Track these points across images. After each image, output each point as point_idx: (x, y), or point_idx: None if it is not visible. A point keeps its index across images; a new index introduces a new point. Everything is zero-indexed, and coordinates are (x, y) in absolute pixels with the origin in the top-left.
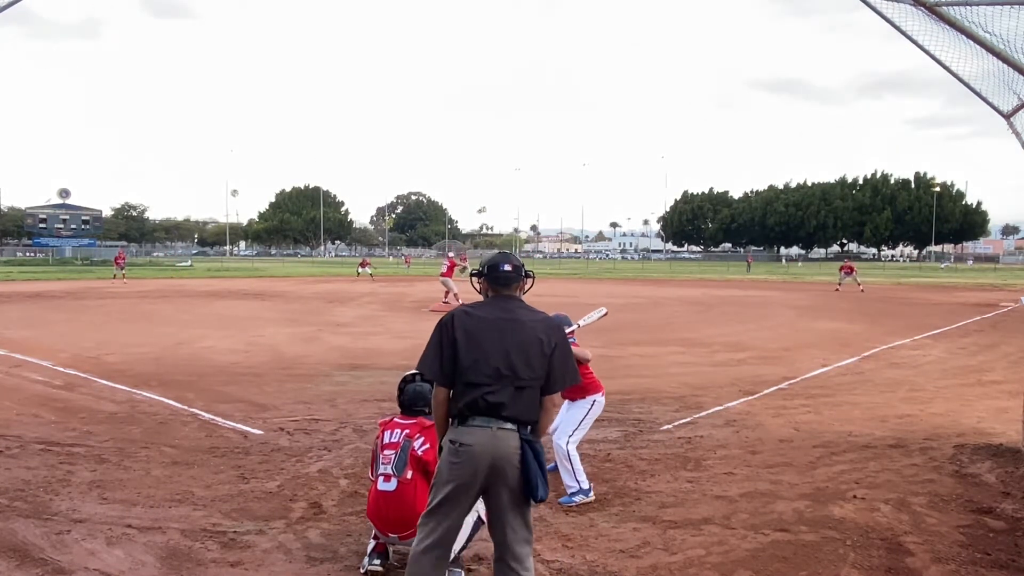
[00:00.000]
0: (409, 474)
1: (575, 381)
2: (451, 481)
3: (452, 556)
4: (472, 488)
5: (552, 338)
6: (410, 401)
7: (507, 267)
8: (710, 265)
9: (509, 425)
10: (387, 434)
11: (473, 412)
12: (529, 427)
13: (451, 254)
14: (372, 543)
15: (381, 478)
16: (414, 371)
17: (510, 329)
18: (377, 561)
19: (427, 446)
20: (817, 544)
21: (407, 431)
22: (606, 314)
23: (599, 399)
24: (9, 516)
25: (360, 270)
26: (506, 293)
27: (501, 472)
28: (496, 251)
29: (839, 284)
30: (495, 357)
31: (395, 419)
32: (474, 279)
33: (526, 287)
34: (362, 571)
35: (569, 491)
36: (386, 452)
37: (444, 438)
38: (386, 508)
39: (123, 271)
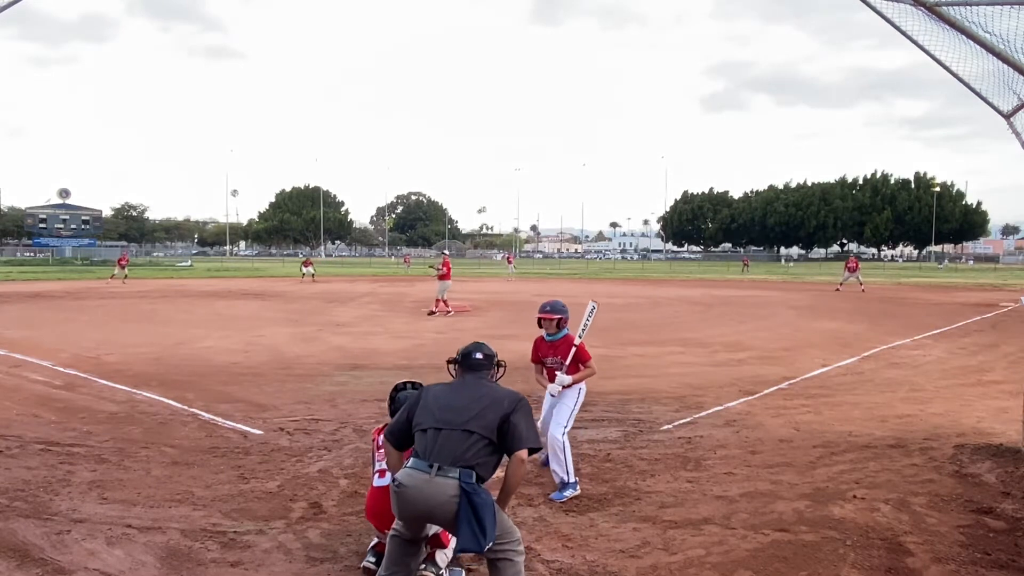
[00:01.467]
0: None
1: (537, 443)
2: (397, 519)
3: (452, 556)
4: (414, 526)
5: (513, 401)
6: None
7: (479, 355)
8: (710, 265)
9: (452, 471)
10: (382, 437)
11: (416, 455)
12: (475, 475)
13: (447, 252)
14: (375, 540)
15: (377, 475)
16: (405, 380)
17: (469, 388)
18: (373, 559)
19: None
20: (817, 544)
21: None
22: (597, 307)
23: (583, 388)
24: (9, 516)
25: (304, 270)
26: (475, 375)
27: (440, 519)
28: (472, 342)
29: (840, 284)
30: (446, 406)
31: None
32: (449, 365)
33: (498, 375)
34: (361, 566)
35: (560, 486)
36: (381, 451)
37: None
38: (382, 503)
39: (124, 271)
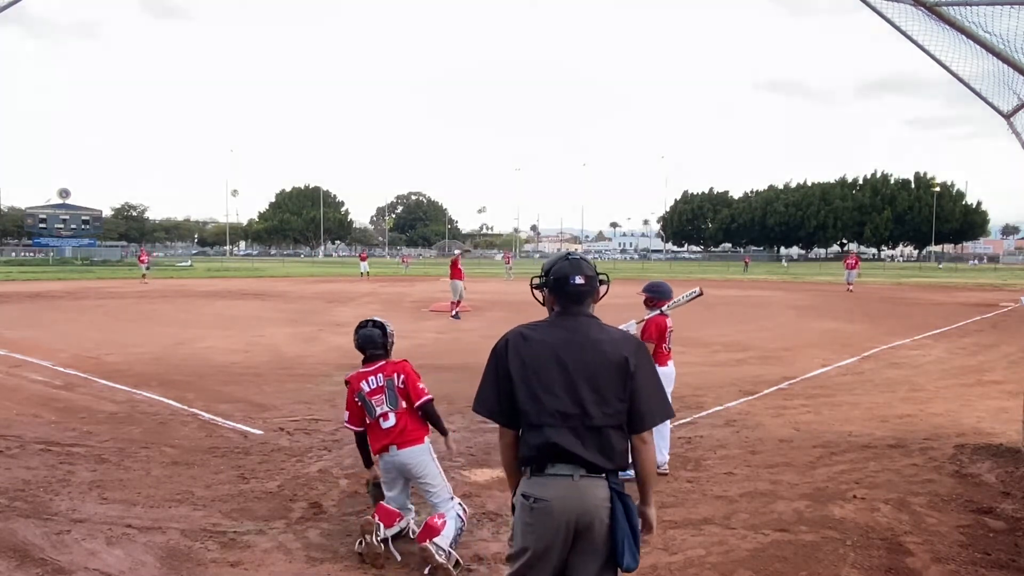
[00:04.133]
0: (403, 404)
1: (667, 415)
2: (527, 547)
3: (447, 551)
4: (553, 552)
5: (633, 360)
6: (360, 345)
7: (579, 280)
8: (710, 265)
9: (597, 474)
10: (366, 384)
11: (546, 459)
12: (616, 474)
13: (457, 252)
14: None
15: (381, 418)
16: (368, 318)
17: (577, 355)
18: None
19: (403, 376)
20: (817, 544)
21: (383, 373)
22: (697, 294)
23: (663, 371)
24: (9, 516)
25: (363, 266)
26: (575, 309)
27: (587, 531)
28: (562, 254)
29: (849, 284)
30: (559, 392)
31: (362, 371)
32: (535, 292)
33: (601, 294)
34: (357, 549)
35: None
36: (376, 397)
37: (516, 491)
38: (391, 439)
39: (147, 270)
